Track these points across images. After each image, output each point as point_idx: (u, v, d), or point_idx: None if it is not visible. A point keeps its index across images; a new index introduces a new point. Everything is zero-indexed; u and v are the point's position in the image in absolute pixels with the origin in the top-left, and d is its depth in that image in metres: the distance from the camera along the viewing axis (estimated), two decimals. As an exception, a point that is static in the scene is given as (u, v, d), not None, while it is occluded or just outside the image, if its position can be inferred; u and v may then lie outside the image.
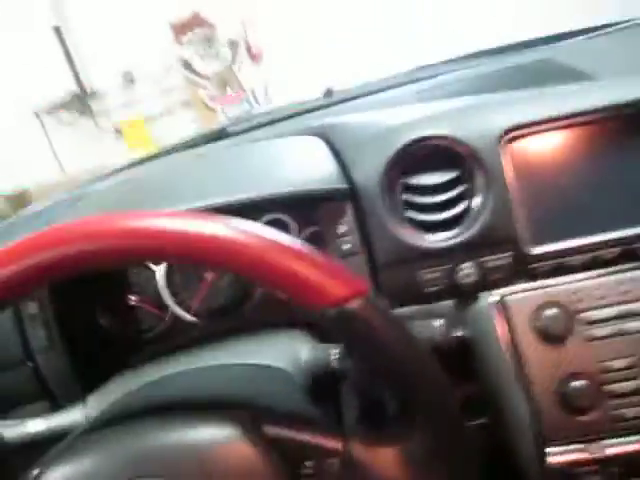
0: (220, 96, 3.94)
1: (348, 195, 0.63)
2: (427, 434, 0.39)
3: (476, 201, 0.61)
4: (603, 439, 0.56)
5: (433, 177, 0.62)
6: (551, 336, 0.58)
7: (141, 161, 1.01)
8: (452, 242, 0.61)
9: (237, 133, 1.02)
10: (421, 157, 0.62)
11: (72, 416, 0.58)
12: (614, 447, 0.56)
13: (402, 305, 0.62)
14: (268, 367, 0.56)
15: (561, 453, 0.57)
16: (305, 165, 0.68)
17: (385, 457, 0.39)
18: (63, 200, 0.82)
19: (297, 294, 0.38)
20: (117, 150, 4.19)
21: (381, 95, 0.95)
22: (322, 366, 0.55)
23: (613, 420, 0.56)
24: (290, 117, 1.01)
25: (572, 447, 0.57)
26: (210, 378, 0.56)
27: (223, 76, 3.93)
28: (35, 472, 0.42)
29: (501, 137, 0.60)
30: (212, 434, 0.41)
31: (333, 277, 0.38)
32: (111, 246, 0.38)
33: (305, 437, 0.40)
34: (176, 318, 0.74)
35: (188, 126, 4.08)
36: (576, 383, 0.56)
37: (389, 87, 1.00)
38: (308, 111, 1.01)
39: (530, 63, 0.83)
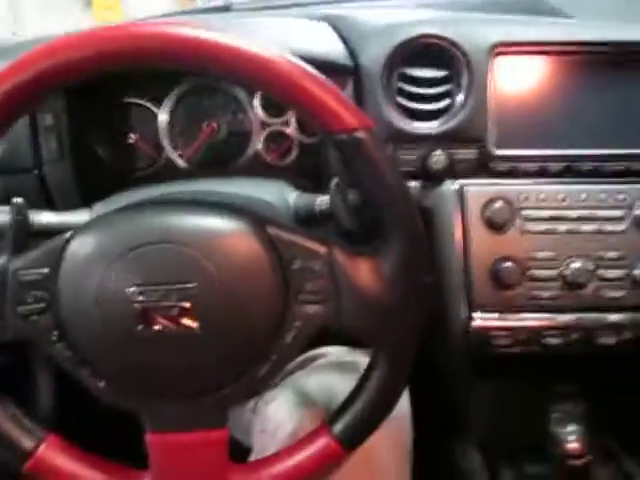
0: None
1: (351, 72, 0.71)
2: (400, 251, 0.49)
3: (458, 99, 0.70)
4: (519, 312, 0.70)
5: (426, 72, 0.71)
6: (494, 224, 0.69)
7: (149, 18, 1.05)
8: (431, 131, 0.70)
9: (241, 9, 1.06)
10: (419, 53, 0.70)
11: (80, 216, 0.66)
12: (526, 320, 0.70)
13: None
14: (260, 199, 0.65)
15: (484, 319, 0.70)
16: (313, 40, 0.74)
17: (362, 266, 0.49)
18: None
19: (318, 117, 0.47)
20: (83, 21, 4.02)
21: (383, 2, 1.02)
22: (307, 209, 0.65)
23: (530, 298, 0.69)
24: (294, 6, 1.06)
25: (493, 315, 0.70)
26: (213, 191, 0.64)
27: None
28: (66, 236, 0.50)
29: (492, 48, 0.69)
30: (221, 224, 0.50)
31: (349, 110, 0.47)
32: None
33: (297, 239, 0.50)
34: (169, 162, 0.81)
35: (160, 5, 3.92)
36: (507, 264, 0.69)
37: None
38: (312, 4, 1.06)
39: None
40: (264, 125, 0.80)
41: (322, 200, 0.64)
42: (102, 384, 0.51)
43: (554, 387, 0.78)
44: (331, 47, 0.73)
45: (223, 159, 0.81)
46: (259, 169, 0.80)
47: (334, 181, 0.58)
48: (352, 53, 0.73)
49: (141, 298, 0.47)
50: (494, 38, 0.69)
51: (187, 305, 0.47)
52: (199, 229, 0.49)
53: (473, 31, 0.70)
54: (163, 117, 0.79)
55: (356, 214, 0.58)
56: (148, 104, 0.79)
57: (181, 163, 0.80)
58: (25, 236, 0.57)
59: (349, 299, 0.49)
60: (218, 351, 0.49)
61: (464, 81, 0.70)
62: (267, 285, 0.49)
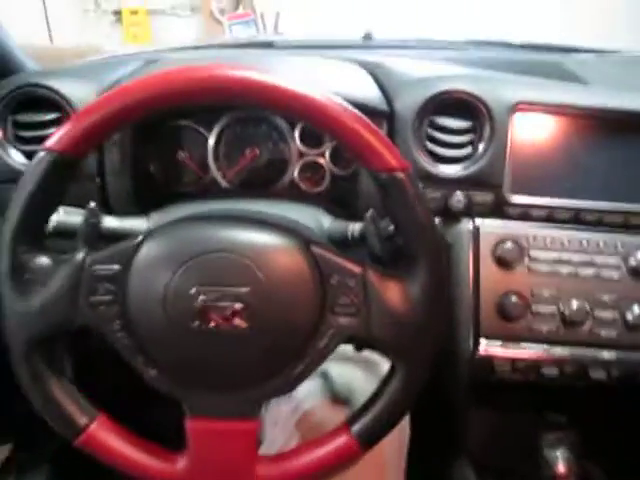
0: (230, 11, 3.93)
1: (386, 116, 0.80)
2: (425, 276, 0.57)
3: (480, 148, 0.79)
4: (520, 343, 0.77)
5: (453, 122, 0.79)
6: (504, 262, 0.77)
7: (195, 47, 1.14)
8: (454, 174, 0.79)
9: (283, 46, 1.16)
10: (448, 104, 0.79)
11: (138, 223, 0.74)
12: (526, 349, 0.77)
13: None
14: (299, 221, 0.73)
15: (488, 347, 0.77)
16: (354, 84, 0.83)
17: (392, 286, 0.57)
18: (130, 60, 0.94)
19: (363, 156, 0.55)
20: (112, 35, 4.14)
21: (414, 51, 1.11)
22: (340, 234, 0.73)
23: (531, 331, 0.77)
24: (332, 47, 1.15)
25: (497, 344, 0.77)
26: (261, 211, 0.71)
27: (238, -8, 3.91)
28: (137, 239, 0.58)
29: (513, 106, 0.78)
30: (273, 240, 0.58)
31: (391, 152, 0.55)
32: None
33: (337, 259, 0.58)
34: (213, 181, 0.89)
35: (189, 32, 4.07)
36: (512, 299, 0.76)
37: (422, 48, 1.16)
38: (348, 47, 1.16)
39: (544, 62, 1.02)
40: (301, 155, 0.88)
41: (354, 227, 0.72)
42: (154, 372, 0.58)
43: (546, 416, 0.85)
44: (369, 92, 0.82)
45: (261, 183, 0.89)
46: (293, 194, 0.88)
47: (369, 212, 0.65)
48: (387, 99, 0.81)
49: (201, 298, 0.54)
50: (516, 97, 0.78)
51: (239, 307, 0.55)
52: (254, 242, 0.57)
53: (497, 89, 0.79)
54: (212, 140, 0.87)
55: (386, 242, 0.65)
56: (199, 128, 0.87)
57: (223, 183, 0.89)
58: (96, 236, 0.65)
59: (377, 314, 0.57)
60: (261, 349, 0.56)
61: (486, 133, 0.78)
62: (307, 296, 0.57)
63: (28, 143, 0.80)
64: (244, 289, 0.55)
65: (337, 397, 0.74)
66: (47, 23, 4.17)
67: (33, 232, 0.57)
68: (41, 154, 0.54)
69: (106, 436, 0.59)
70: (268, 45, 1.17)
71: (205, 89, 0.53)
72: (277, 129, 0.88)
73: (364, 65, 0.91)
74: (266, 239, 0.58)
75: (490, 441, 0.87)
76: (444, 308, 0.59)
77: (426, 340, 0.59)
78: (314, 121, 0.55)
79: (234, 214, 0.63)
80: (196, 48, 1.19)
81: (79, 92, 0.79)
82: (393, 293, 0.57)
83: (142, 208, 0.81)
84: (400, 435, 0.76)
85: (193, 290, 0.55)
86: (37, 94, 0.79)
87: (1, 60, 0.85)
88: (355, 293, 0.57)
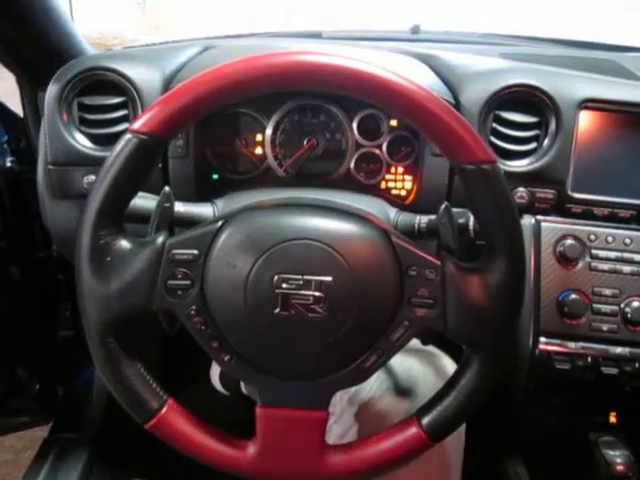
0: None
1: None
2: (506, 267, 0.56)
3: (545, 144, 0.78)
4: (579, 341, 0.77)
5: (519, 116, 0.79)
6: (565, 259, 0.77)
7: (241, 36, 1.14)
8: (518, 170, 0.78)
9: (331, 37, 1.15)
10: (513, 98, 0.79)
11: (203, 209, 0.74)
12: (585, 348, 0.76)
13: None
14: (368, 211, 0.72)
15: (548, 344, 0.77)
16: (417, 74, 0.83)
17: (471, 278, 0.57)
18: (188, 46, 0.94)
19: (450, 146, 0.54)
20: (135, 24, 4.16)
21: (465, 46, 1.10)
22: (406, 225, 0.73)
23: (591, 329, 0.76)
24: (380, 39, 1.15)
25: (556, 341, 0.77)
26: (334, 201, 0.70)
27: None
28: (217, 225, 0.58)
29: (581, 102, 0.77)
30: (356, 229, 0.57)
31: (478, 144, 0.54)
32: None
33: (416, 251, 0.57)
34: (269, 170, 0.89)
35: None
36: (573, 296, 0.76)
37: (471, 42, 1.15)
38: (396, 39, 1.15)
39: (597, 59, 1.01)
40: (358, 146, 0.88)
41: (421, 219, 0.72)
42: (227, 357, 0.58)
43: (596, 418, 0.85)
44: (433, 83, 0.82)
45: (317, 173, 0.89)
46: (348, 185, 0.88)
47: (444, 204, 0.65)
48: (451, 91, 0.81)
49: (284, 285, 0.54)
50: (584, 94, 0.77)
51: (321, 295, 0.54)
52: (338, 231, 0.56)
53: (565, 85, 0.78)
54: (270, 129, 0.87)
55: (459, 234, 0.65)
56: (258, 116, 0.87)
57: (280, 172, 0.88)
58: (169, 220, 0.64)
59: (456, 306, 0.56)
60: (336, 339, 0.56)
61: (552, 128, 0.78)
62: (386, 286, 0.56)
63: (92, 126, 0.80)
64: (327, 278, 0.55)
65: (398, 388, 0.74)
66: (70, 9, 4.18)
67: (114, 215, 0.57)
68: (127, 136, 0.54)
69: (177, 421, 0.59)
70: (316, 36, 1.16)
71: (299, 74, 0.52)
72: (335, 119, 0.88)
73: (417, 57, 0.90)
74: (349, 228, 0.57)
75: (541, 440, 0.87)
76: (522, 301, 0.59)
77: (504, 333, 0.58)
78: (399, 108, 0.54)
79: (312, 202, 0.62)
80: (241, 37, 1.18)
81: (144, 76, 0.78)
82: (472, 285, 0.57)
83: (199, 194, 0.80)
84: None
85: (275, 277, 0.54)
86: (103, 77, 0.79)
87: (65, 43, 0.85)
88: (434, 285, 0.56)
